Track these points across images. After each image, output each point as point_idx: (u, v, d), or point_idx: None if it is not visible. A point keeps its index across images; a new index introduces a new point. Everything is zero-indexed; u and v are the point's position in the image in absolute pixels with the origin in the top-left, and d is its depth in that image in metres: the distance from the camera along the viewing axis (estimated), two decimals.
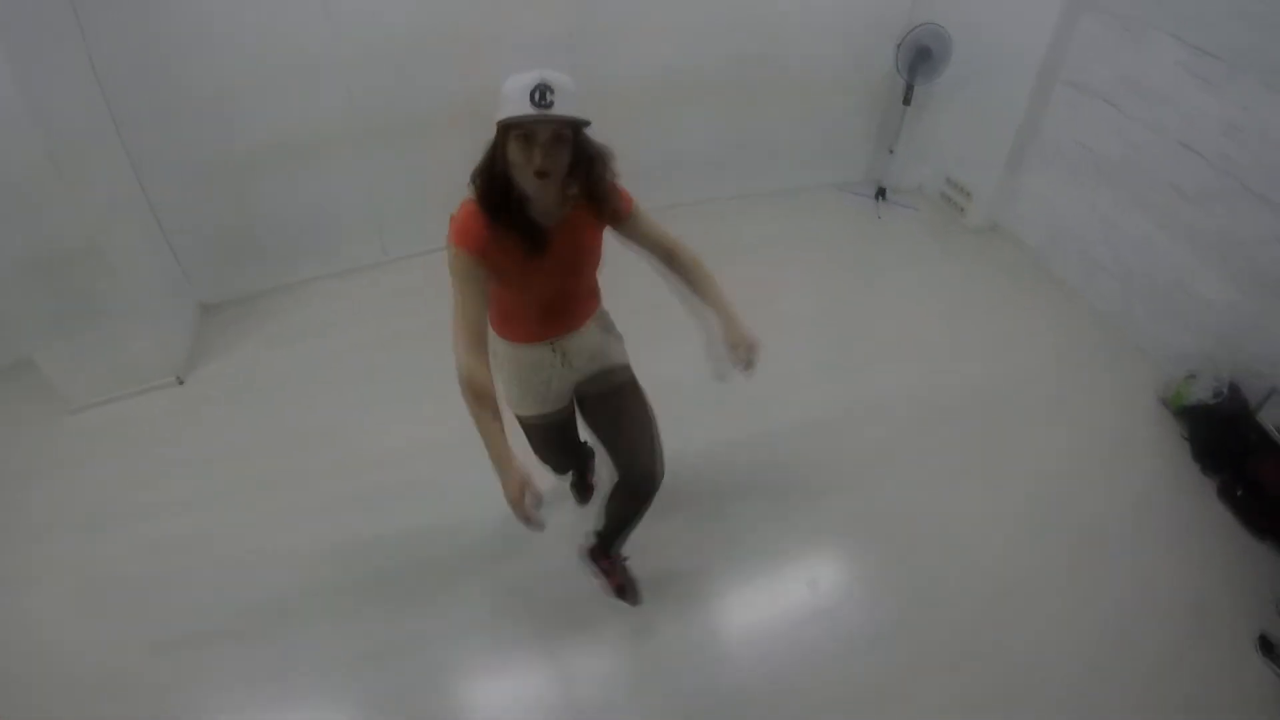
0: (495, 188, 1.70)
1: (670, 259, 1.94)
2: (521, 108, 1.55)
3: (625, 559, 2.64)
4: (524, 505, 1.56)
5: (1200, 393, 3.68)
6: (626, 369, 2.19)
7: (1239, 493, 3.39)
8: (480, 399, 1.65)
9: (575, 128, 1.65)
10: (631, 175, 1.90)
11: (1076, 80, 4.23)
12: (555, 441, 2.35)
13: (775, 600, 2.87)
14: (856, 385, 3.75)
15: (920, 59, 4.49)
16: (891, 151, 4.92)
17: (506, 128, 1.61)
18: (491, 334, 1.96)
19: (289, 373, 3.60)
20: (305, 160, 3.68)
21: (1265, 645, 2.95)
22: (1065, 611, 2.91)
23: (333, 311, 3.92)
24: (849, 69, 4.56)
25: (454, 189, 3.87)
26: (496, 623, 2.69)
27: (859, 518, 3.15)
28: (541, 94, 1.53)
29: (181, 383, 3.55)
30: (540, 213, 1.78)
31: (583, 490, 2.97)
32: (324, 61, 3.47)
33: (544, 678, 2.61)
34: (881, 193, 5.05)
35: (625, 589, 2.62)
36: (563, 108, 1.56)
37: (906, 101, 4.69)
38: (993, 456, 3.48)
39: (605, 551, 2.54)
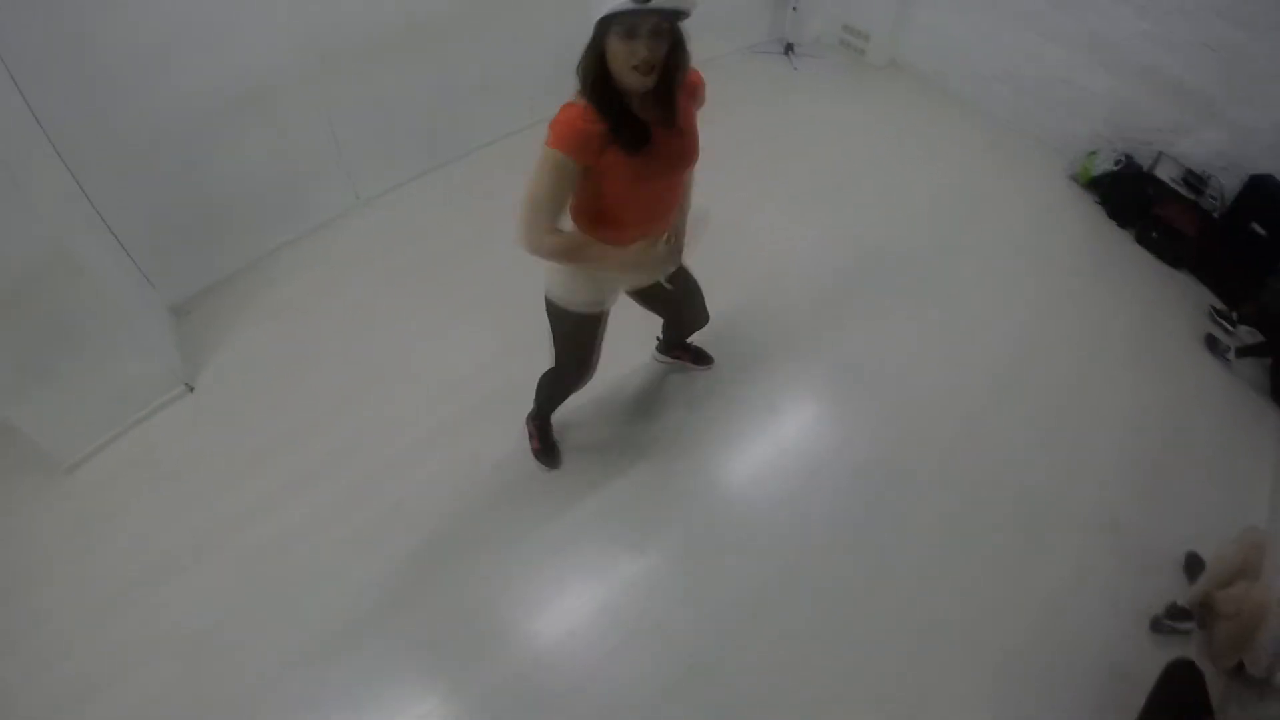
0: (598, 86, 1.67)
1: None
2: (622, 2, 1.52)
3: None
4: (661, 251, 1.87)
5: (1104, 164, 4.48)
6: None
7: (1153, 235, 4.25)
8: (576, 246, 1.87)
9: (674, 18, 1.62)
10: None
11: None
12: (595, 339, 2.33)
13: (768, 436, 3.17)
14: (812, 225, 4.08)
15: None
16: (795, 9, 5.18)
17: (607, 22, 1.57)
18: (596, 245, 1.94)
19: (302, 342, 3.29)
20: (250, 113, 3.18)
21: (1211, 341, 3.82)
22: (1042, 349, 3.63)
23: (319, 271, 3.55)
24: None
25: (427, 111, 3.58)
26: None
27: (820, 355, 3.47)
28: None
29: (192, 389, 3.10)
30: (641, 107, 1.75)
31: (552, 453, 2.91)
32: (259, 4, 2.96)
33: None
34: (789, 48, 5.32)
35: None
36: None
37: None
38: (942, 264, 3.98)
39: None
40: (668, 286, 2.25)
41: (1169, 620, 2.74)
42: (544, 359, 2.52)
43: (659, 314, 2.67)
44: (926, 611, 2.66)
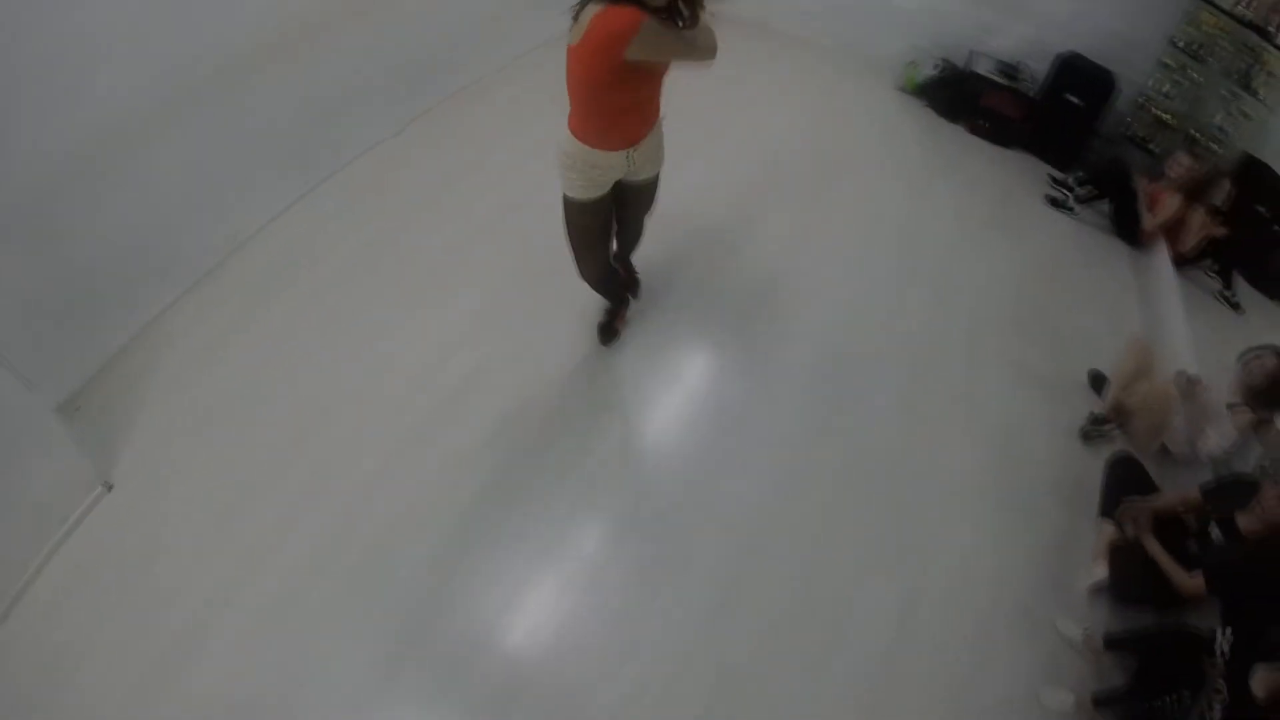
0: None
1: None
2: None
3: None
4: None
5: (925, 71, 4.95)
6: (658, 177, 2.57)
7: (983, 124, 4.75)
8: (699, 47, 2.11)
9: None
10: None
11: None
12: (595, 229, 2.56)
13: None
14: (695, 173, 3.93)
15: None
16: None
17: None
18: (571, 140, 2.27)
19: (220, 393, 2.85)
20: (108, 166, 2.89)
21: (1055, 201, 4.33)
22: (919, 236, 3.99)
23: (219, 315, 3.09)
24: None
25: (292, 131, 3.36)
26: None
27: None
28: None
29: (111, 487, 2.73)
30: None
31: (609, 331, 3.11)
32: (99, 34, 2.70)
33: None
34: None
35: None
36: None
37: None
38: (816, 183, 4.21)
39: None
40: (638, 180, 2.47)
41: (1093, 427, 3.11)
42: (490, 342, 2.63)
43: (617, 218, 2.72)
44: (906, 466, 2.90)
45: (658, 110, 2.37)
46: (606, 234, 2.67)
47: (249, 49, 3.14)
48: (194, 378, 2.89)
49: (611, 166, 2.34)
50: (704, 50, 2.12)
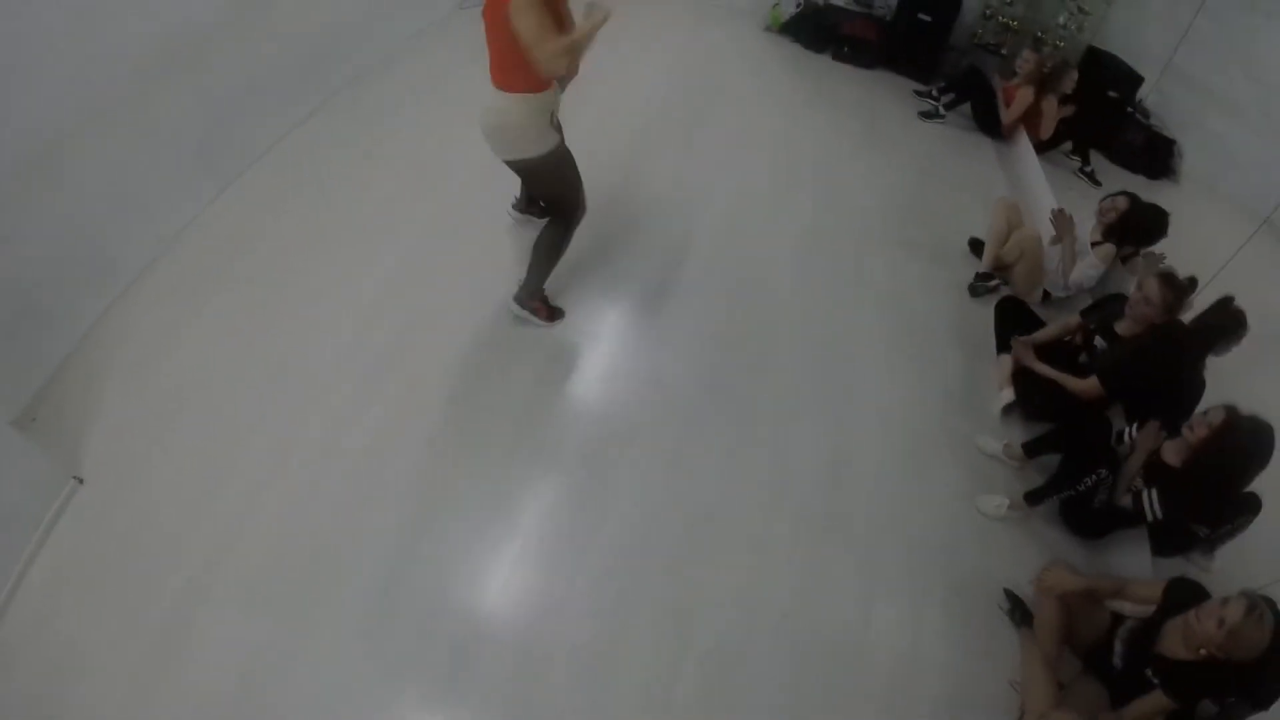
0: None
1: None
2: None
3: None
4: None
5: (788, 10, 5.13)
6: None
7: (846, 50, 4.96)
8: (572, 39, 2.15)
9: None
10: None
11: None
12: (574, 161, 2.58)
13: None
14: (585, 129, 4.17)
15: None
16: None
17: None
18: (530, 97, 2.29)
19: (179, 379, 2.62)
20: (35, 179, 2.67)
21: (923, 115, 4.54)
22: (799, 159, 4.07)
23: (162, 310, 2.81)
24: None
25: (205, 127, 3.21)
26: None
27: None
28: None
29: (81, 480, 2.45)
30: None
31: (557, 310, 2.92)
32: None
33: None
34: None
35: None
36: None
37: None
38: (697, 123, 4.27)
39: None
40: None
41: (980, 283, 3.25)
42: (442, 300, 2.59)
43: None
44: (820, 335, 2.96)
45: None
46: None
47: (154, 56, 2.98)
48: (145, 373, 2.64)
49: (555, 104, 2.41)
50: (550, 55, 2.12)
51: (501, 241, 3.09)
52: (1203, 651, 1.84)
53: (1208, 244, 3.23)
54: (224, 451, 2.35)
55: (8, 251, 2.55)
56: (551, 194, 2.65)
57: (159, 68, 2.98)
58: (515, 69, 2.21)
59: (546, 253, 2.69)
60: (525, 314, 2.75)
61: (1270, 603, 1.81)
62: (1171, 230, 3.08)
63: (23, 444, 2.35)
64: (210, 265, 2.96)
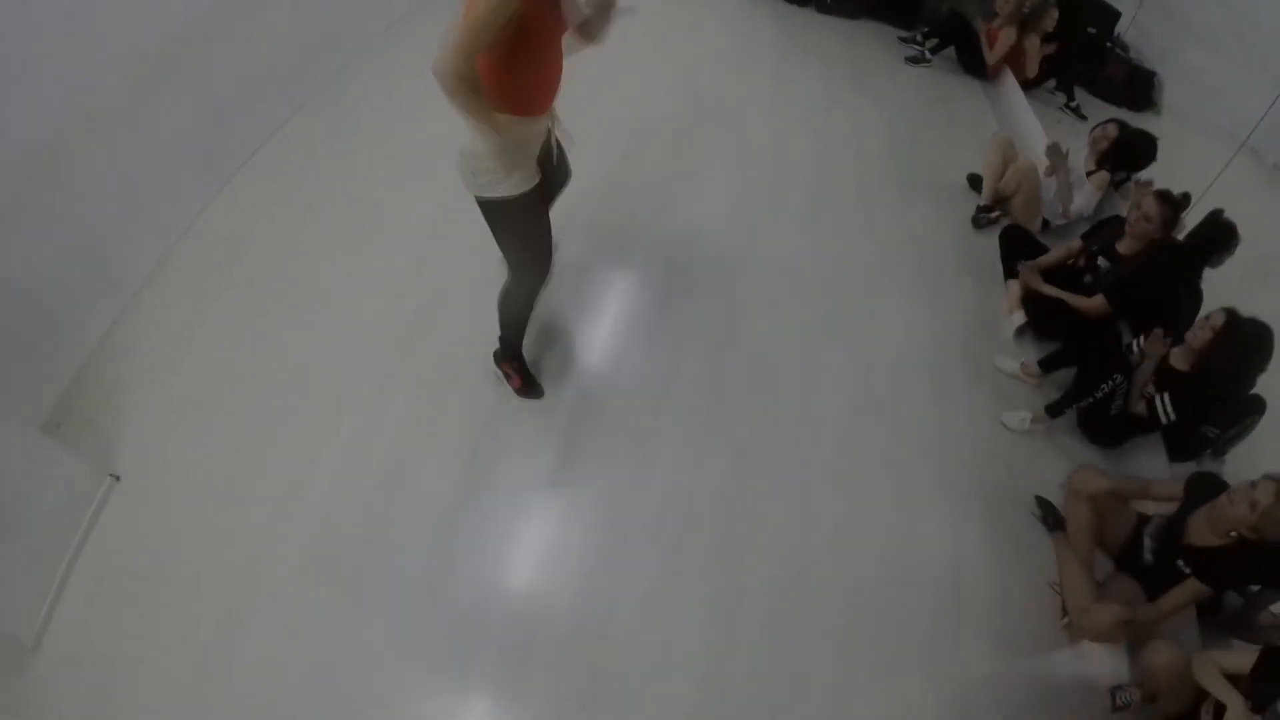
0: None
1: None
2: None
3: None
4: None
5: None
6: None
7: (828, 1, 4.98)
8: (475, 88, 1.69)
9: None
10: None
11: None
12: (544, 213, 2.20)
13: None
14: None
15: None
16: None
17: None
18: (504, 119, 1.83)
19: (200, 374, 2.65)
20: (40, 186, 2.66)
21: (910, 60, 4.61)
22: (794, 112, 4.12)
23: (175, 309, 2.82)
24: None
25: (202, 128, 3.20)
26: None
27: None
28: None
29: (118, 477, 2.48)
30: None
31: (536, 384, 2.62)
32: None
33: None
34: None
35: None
36: None
37: None
38: (685, 92, 4.42)
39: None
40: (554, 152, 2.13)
41: (982, 215, 3.36)
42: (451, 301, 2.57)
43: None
44: (834, 272, 3.06)
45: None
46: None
47: (145, 62, 2.97)
48: (167, 372, 2.63)
49: (541, 132, 2.00)
50: (450, 68, 1.61)
51: None
52: (1233, 535, 1.98)
53: (1192, 170, 3.34)
54: (255, 449, 2.37)
55: (20, 262, 2.56)
56: (505, 247, 2.17)
57: (147, 79, 2.95)
58: (486, 75, 1.72)
59: (506, 314, 2.37)
60: (500, 376, 2.51)
61: None
62: (1159, 158, 3.21)
63: (56, 448, 2.37)
64: (215, 266, 2.95)
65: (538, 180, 1.98)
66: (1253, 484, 1.95)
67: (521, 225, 2.06)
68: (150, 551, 2.18)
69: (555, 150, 2.14)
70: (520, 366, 2.50)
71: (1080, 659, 2.17)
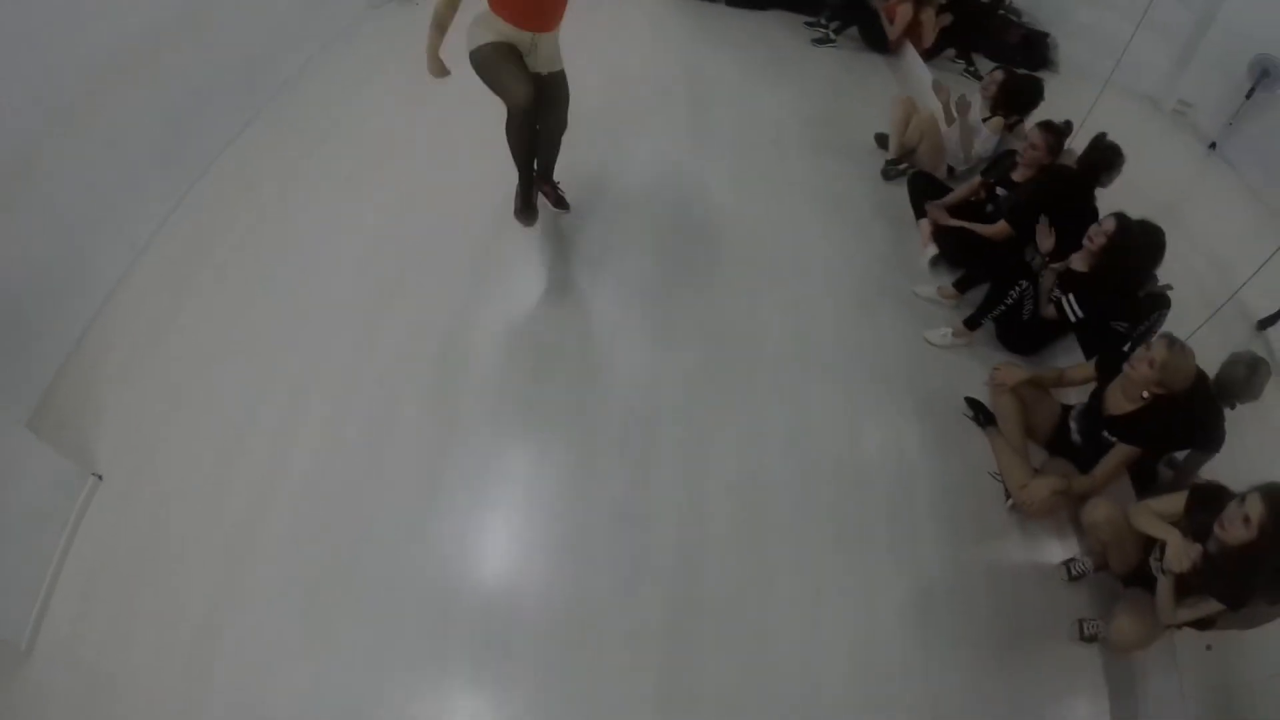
0: None
1: None
2: None
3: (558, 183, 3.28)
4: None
5: None
6: (564, 73, 2.87)
7: None
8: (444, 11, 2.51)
9: None
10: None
11: None
12: (507, 60, 2.64)
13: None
14: None
15: None
16: None
17: None
18: (483, 13, 2.57)
19: (182, 366, 2.74)
20: (15, 183, 2.71)
21: (817, 41, 4.88)
22: (717, 93, 4.36)
23: (151, 304, 2.93)
24: None
25: (164, 130, 3.29)
26: None
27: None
28: None
29: (100, 476, 2.52)
30: None
31: (529, 211, 2.99)
32: None
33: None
34: None
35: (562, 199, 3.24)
36: None
37: None
38: (630, 83, 4.59)
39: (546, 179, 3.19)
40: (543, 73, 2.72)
41: (890, 167, 3.60)
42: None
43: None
44: (757, 228, 3.27)
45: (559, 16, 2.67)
46: (522, 64, 2.68)
47: (108, 64, 3.05)
48: (145, 368, 2.69)
49: (519, 40, 2.60)
50: None
51: (477, 198, 3.25)
52: (1145, 395, 2.17)
53: (1088, 117, 3.62)
54: (230, 442, 2.45)
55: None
56: (484, 84, 2.73)
57: (109, 85, 3.03)
58: None
59: (508, 141, 2.82)
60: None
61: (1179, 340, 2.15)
62: (1055, 112, 3.42)
63: (41, 446, 2.42)
64: (188, 260, 3.06)
65: (491, 40, 2.61)
66: (1147, 345, 2.15)
67: (484, 72, 2.65)
68: (135, 551, 2.20)
69: (549, 91, 2.75)
70: (520, 191, 2.90)
71: (1032, 541, 2.37)
